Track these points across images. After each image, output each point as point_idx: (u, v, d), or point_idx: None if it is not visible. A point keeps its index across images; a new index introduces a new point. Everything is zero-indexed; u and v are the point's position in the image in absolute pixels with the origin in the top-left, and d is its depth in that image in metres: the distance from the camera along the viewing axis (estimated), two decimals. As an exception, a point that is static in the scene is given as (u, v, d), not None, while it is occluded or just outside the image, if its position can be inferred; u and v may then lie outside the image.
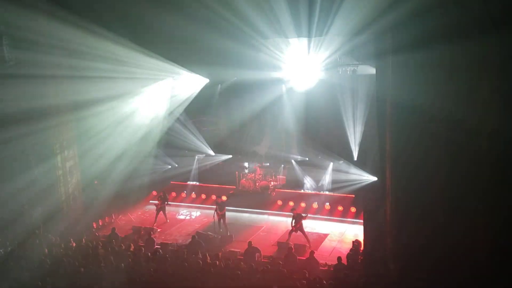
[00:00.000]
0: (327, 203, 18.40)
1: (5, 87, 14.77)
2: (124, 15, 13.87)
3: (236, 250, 14.46)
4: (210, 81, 21.01)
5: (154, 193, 20.99)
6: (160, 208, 18.11)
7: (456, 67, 10.59)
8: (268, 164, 21.59)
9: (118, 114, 18.74)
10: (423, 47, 10.96)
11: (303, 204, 18.43)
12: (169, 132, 21.61)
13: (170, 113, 21.24)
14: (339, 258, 12.64)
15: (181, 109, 21.51)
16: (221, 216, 16.68)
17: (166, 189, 21.04)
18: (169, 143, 21.91)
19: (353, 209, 17.77)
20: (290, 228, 15.40)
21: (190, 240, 14.73)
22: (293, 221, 15.30)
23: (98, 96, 17.03)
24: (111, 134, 18.40)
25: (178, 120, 22.02)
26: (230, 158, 22.73)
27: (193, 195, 20.90)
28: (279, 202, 19.18)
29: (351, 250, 13.84)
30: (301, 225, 15.24)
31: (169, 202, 18.72)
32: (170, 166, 22.35)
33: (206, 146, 22.98)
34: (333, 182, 19.70)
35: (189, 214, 19.40)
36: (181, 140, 22.47)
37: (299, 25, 13.16)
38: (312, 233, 16.11)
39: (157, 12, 12.97)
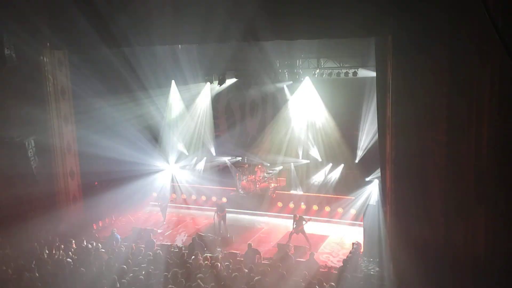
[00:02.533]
0: (327, 205, 18.40)
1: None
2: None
3: (236, 251, 14.47)
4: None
5: (155, 194, 21.01)
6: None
7: (456, 67, 10.64)
8: (268, 165, 21.64)
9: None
10: (424, 48, 11.01)
11: (303, 206, 18.44)
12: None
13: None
14: (344, 261, 12.64)
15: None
16: (221, 217, 16.69)
17: (166, 190, 21.11)
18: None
19: (353, 211, 17.77)
20: (291, 230, 15.43)
21: (190, 241, 14.73)
22: (294, 223, 15.33)
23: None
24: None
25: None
26: (230, 160, 22.75)
27: (193, 196, 20.89)
28: (280, 204, 19.18)
29: (350, 252, 13.85)
30: (302, 227, 15.27)
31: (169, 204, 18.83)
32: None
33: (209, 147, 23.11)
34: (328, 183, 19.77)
35: (189, 216, 19.36)
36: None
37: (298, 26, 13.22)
38: (312, 235, 16.10)
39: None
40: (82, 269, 11.84)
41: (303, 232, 15.27)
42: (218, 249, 14.94)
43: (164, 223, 18.30)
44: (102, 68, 17.17)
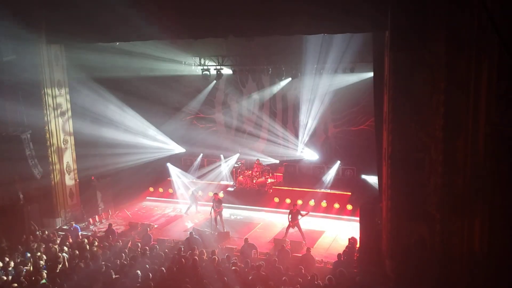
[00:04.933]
0: (324, 201, 18.43)
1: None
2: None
3: (232, 246, 14.50)
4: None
5: (151, 189, 21.01)
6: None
7: (453, 63, 10.66)
8: (265, 160, 21.66)
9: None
10: (421, 44, 11.02)
11: (299, 201, 18.45)
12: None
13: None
14: (339, 256, 12.69)
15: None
16: (218, 213, 16.71)
17: (163, 185, 21.14)
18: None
19: (349, 207, 17.80)
20: (287, 224, 15.48)
21: (187, 236, 14.72)
22: (290, 216, 15.39)
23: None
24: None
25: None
26: (227, 155, 22.76)
27: (190, 191, 20.84)
28: (276, 199, 19.19)
29: (347, 247, 13.89)
30: (298, 221, 15.32)
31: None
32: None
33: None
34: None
35: (187, 211, 19.34)
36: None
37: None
38: (309, 230, 16.14)
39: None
40: (80, 264, 11.85)
41: (298, 226, 15.33)
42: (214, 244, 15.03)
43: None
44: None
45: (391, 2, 11.41)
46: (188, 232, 15.07)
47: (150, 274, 10.93)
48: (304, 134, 21.40)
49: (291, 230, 15.50)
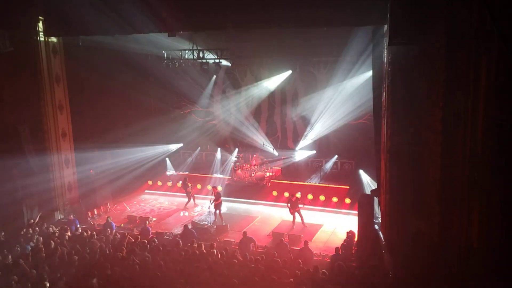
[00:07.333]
0: (322, 195, 18.45)
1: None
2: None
3: (231, 240, 14.52)
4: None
5: (150, 182, 21.01)
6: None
7: (452, 56, 10.63)
8: (264, 155, 21.68)
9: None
10: (420, 37, 10.98)
11: (298, 195, 18.46)
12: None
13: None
14: (336, 249, 12.72)
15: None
16: (217, 206, 16.72)
17: (162, 179, 21.15)
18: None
19: (347, 200, 17.83)
20: (290, 214, 16.13)
21: (182, 230, 14.74)
22: (289, 204, 16.09)
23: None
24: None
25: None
26: (225, 149, 22.77)
27: (189, 184, 20.83)
28: (275, 193, 19.21)
29: (345, 241, 13.91)
30: (299, 208, 16.07)
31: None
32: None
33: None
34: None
35: (184, 204, 19.34)
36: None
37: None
38: (307, 224, 16.19)
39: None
40: (75, 256, 11.85)
41: (299, 212, 15.95)
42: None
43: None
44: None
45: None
46: (187, 226, 15.06)
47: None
48: (302, 127, 21.43)
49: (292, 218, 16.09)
